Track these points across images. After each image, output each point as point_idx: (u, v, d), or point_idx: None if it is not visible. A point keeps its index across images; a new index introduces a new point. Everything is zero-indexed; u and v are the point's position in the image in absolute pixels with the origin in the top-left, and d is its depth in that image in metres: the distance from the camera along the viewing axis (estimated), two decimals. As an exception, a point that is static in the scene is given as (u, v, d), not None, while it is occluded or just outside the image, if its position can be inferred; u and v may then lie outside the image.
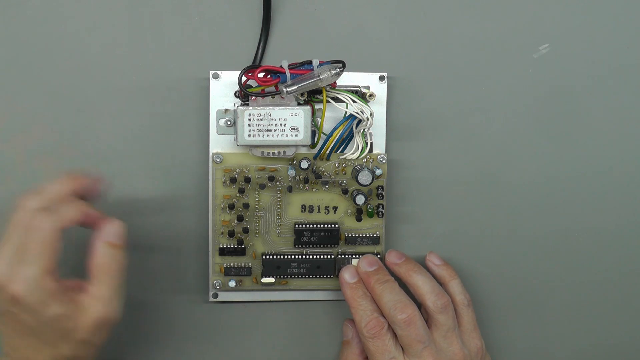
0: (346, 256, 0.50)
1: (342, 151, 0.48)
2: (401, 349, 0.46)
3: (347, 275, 0.48)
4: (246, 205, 0.49)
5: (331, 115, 0.48)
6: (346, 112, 0.46)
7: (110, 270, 0.42)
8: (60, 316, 0.40)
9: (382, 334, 0.46)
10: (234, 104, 0.46)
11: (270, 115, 0.44)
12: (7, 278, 0.40)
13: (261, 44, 0.49)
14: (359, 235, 0.50)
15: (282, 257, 0.49)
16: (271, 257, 0.49)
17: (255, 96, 0.44)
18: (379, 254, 0.50)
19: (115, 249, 0.42)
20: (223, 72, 0.48)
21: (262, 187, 0.49)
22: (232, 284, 0.49)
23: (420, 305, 0.48)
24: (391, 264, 0.49)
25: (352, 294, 0.47)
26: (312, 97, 0.46)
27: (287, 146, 0.46)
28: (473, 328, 0.48)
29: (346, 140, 0.47)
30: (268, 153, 0.46)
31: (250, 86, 0.45)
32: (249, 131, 0.45)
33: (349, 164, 0.49)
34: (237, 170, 0.48)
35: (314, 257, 0.49)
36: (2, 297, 0.40)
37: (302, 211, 0.49)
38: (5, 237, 0.41)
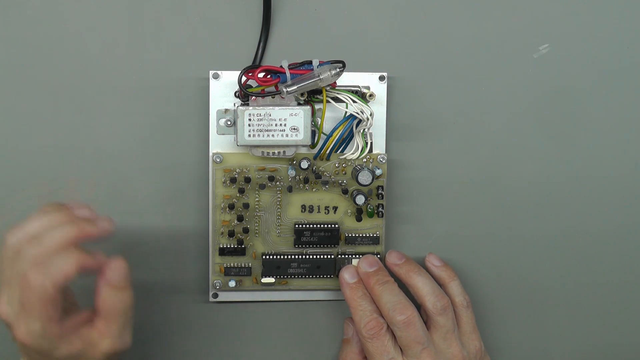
0: (346, 256, 0.50)
1: (342, 151, 0.48)
2: (400, 350, 0.46)
3: (347, 275, 0.48)
4: (246, 205, 0.49)
5: (331, 115, 0.48)
6: (346, 112, 0.46)
7: (116, 310, 0.42)
8: (71, 354, 0.41)
9: (381, 335, 0.46)
10: (234, 104, 0.46)
11: (270, 115, 0.44)
12: (12, 323, 0.40)
13: (261, 44, 0.49)
14: (359, 235, 0.50)
15: (282, 257, 0.49)
16: (271, 257, 0.49)
17: (255, 96, 0.44)
18: (379, 254, 0.50)
19: (120, 290, 0.42)
20: (223, 72, 0.48)
21: (262, 187, 0.49)
22: (232, 284, 0.49)
23: (419, 307, 0.48)
24: (391, 265, 0.49)
25: (351, 294, 0.47)
26: (312, 97, 0.46)
27: (287, 146, 0.46)
28: (472, 329, 0.48)
29: (346, 140, 0.47)
30: (268, 153, 0.46)
31: (250, 86, 0.45)
32: (249, 131, 0.45)
33: (349, 164, 0.49)
34: (237, 170, 0.48)
35: (314, 257, 0.49)
36: (16, 339, 0.40)
37: (302, 211, 0.49)
38: (3, 280, 0.41)
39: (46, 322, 0.40)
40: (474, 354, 0.48)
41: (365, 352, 0.47)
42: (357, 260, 0.49)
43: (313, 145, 0.47)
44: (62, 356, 0.41)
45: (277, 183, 0.49)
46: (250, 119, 0.44)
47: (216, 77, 0.48)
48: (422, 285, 0.47)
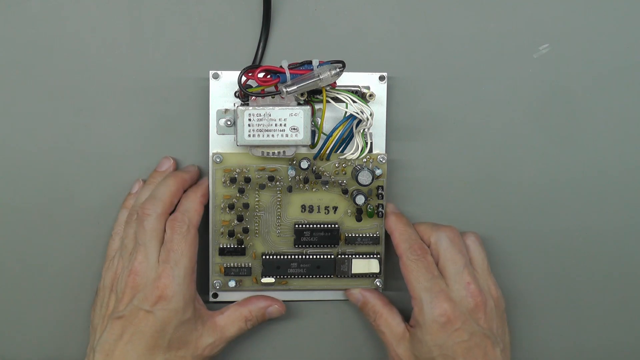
0: (346, 256, 0.50)
1: (342, 151, 0.48)
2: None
3: (392, 206, 0.50)
4: (246, 205, 0.49)
5: (331, 115, 0.48)
6: (346, 112, 0.46)
7: (245, 323, 0.48)
8: (189, 322, 0.44)
9: (427, 255, 0.47)
10: (234, 104, 0.46)
11: (270, 115, 0.44)
12: (156, 277, 0.44)
13: (261, 44, 0.49)
14: (359, 235, 0.50)
15: (282, 257, 0.49)
16: (271, 257, 0.49)
17: (255, 96, 0.44)
18: (379, 254, 0.50)
19: (261, 319, 0.49)
20: (223, 72, 0.48)
21: (262, 187, 0.49)
22: (232, 284, 0.49)
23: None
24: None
25: (397, 220, 0.49)
26: (312, 97, 0.46)
27: (287, 146, 0.46)
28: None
29: (346, 140, 0.47)
30: (268, 153, 0.46)
31: (250, 86, 0.45)
32: (249, 131, 0.45)
33: (349, 164, 0.49)
34: (237, 170, 0.48)
35: (314, 257, 0.49)
36: (146, 296, 0.43)
37: (302, 211, 0.49)
38: (139, 244, 0.45)
39: (188, 269, 0.44)
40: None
41: (406, 275, 0.47)
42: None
43: (313, 145, 0.47)
44: (183, 320, 0.44)
45: (277, 183, 0.49)
46: (250, 119, 0.44)
47: (216, 77, 0.48)
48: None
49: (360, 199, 0.48)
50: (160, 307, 0.43)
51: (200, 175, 0.49)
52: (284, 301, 0.51)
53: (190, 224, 0.45)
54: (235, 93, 0.48)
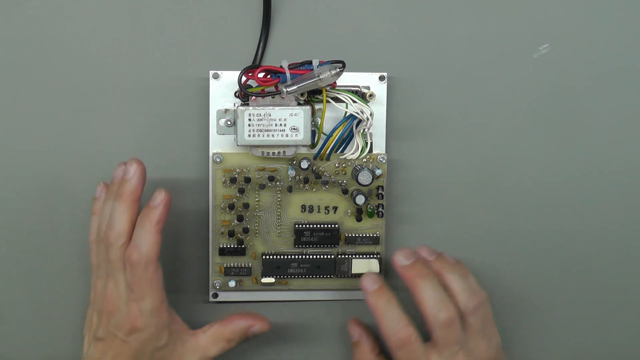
0: (346, 256, 0.50)
1: (342, 151, 0.48)
2: (428, 351, 0.45)
3: (369, 283, 0.46)
4: (246, 205, 0.49)
5: (331, 115, 0.48)
6: (346, 112, 0.46)
7: (227, 344, 0.46)
8: (165, 348, 0.44)
9: (411, 343, 0.44)
10: (234, 104, 0.46)
11: (270, 115, 0.44)
12: (126, 310, 0.43)
13: (261, 44, 0.49)
14: (359, 235, 0.50)
15: (282, 257, 0.49)
16: (271, 257, 0.49)
17: (255, 96, 0.44)
18: (379, 254, 0.50)
19: (244, 337, 0.47)
20: (223, 72, 0.48)
21: (262, 187, 0.49)
22: (232, 284, 0.49)
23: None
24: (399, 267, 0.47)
25: (375, 301, 0.45)
26: (312, 97, 0.46)
27: (287, 146, 0.46)
28: (491, 323, 0.48)
29: (346, 140, 0.47)
30: (268, 153, 0.46)
31: (250, 86, 0.45)
32: (249, 131, 0.45)
33: (349, 164, 0.49)
34: (237, 170, 0.48)
35: (314, 257, 0.49)
36: (120, 323, 0.43)
37: (302, 211, 0.49)
38: (108, 272, 0.44)
39: (157, 300, 0.43)
40: (495, 348, 0.47)
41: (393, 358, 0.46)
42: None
43: (313, 145, 0.47)
44: (159, 346, 0.44)
45: (277, 183, 0.49)
46: (250, 119, 0.44)
47: (216, 77, 0.48)
48: (454, 283, 0.46)
49: (360, 199, 0.48)
50: (134, 337, 0.43)
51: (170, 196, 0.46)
52: (283, 301, 0.51)
53: (147, 261, 0.43)
54: (235, 93, 0.48)
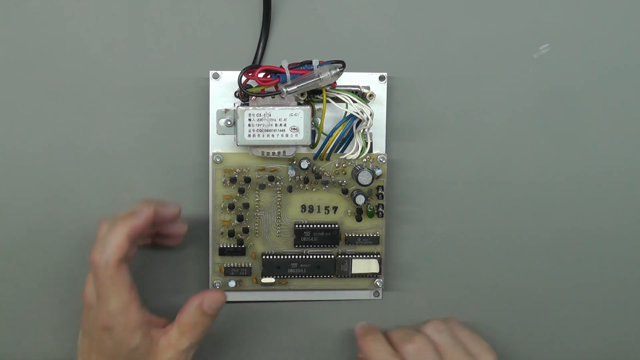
0: (346, 256, 0.50)
1: (342, 151, 0.48)
2: None
3: (358, 326, 0.50)
4: (246, 205, 0.49)
5: (331, 115, 0.48)
6: (346, 112, 0.46)
7: (194, 329, 0.45)
8: (139, 348, 0.43)
9: None
10: (234, 104, 0.46)
11: (270, 115, 0.44)
12: (97, 309, 0.44)
13: (261, 44, 0.49)
14: (359, 235, 0.50)
15: (282, 257, 0.49)
16: (271, 257, 0.49)
17: (255, 96, 0.44)
18: (379, 254, 0.50)
19: (207, 317, 0.45)
20: (223, 72, 0.48)
21: (262, 187, 0.49)
22: (232, 284, 0.49)
23: None
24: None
25: (364, 341, 0.48)
26: (312, 97, 0.46)
27: (287, 146, 0.46)
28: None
29: (346, 140, 0.47)
30: (268, 153, 0.46)
31: (250, 86, 0.45)
32: (249, 131, 0.45)
33: (349, 164, 0.49)
34: (237, 170, 0.48)
35: (314, 257, 0.49)
36: (95, 319, 0.44)
37: (302, 211, 0.49)
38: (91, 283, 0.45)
39: (123, 300, 0.43)
40: None
41: None
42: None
43: (313, 145, 0.47)
44: (132, 347, 0.43)
45: (277, 183, 0.49)
46: (250, 119, 0.44)
47: (216, 77, 0.48)
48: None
49: (360, 199, 0.48)
50: (107, 336, 0.43)
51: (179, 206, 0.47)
52: (283, 301, 0.51)
53: (107, 262, 0.42)
54: (235, 93, 0.48)
